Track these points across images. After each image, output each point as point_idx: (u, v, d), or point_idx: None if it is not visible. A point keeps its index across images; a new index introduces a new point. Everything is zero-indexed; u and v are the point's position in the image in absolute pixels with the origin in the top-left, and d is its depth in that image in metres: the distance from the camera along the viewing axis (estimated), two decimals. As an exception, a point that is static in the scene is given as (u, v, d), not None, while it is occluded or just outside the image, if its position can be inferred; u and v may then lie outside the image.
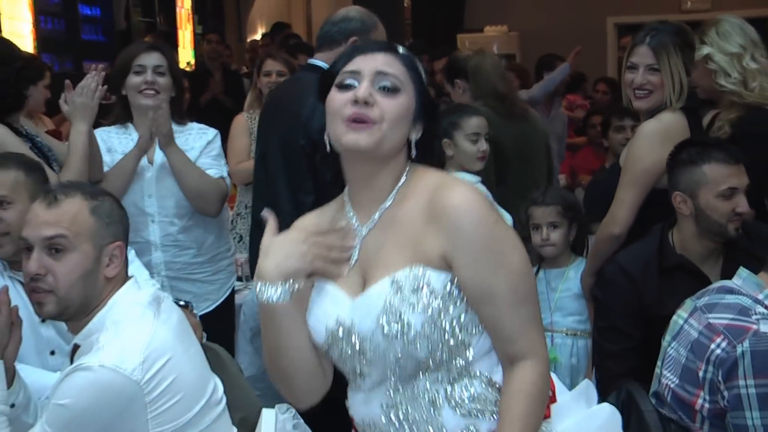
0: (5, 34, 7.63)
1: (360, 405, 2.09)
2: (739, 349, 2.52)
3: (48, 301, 2.38)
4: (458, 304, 1.98)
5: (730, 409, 2.54)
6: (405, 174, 2.08)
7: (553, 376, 2.18)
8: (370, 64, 2.04)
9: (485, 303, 1.97)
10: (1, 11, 7.76)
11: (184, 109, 4.26)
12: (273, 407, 2.54)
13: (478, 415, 2.02)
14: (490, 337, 2.01)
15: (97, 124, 3.96)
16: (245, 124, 5.34)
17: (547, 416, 2.08)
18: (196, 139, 4.05)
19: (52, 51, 8.57)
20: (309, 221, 2.14)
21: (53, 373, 2.82)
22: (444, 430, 2.02)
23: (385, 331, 1.96)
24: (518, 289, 1.98)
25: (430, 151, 2.12)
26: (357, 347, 2.00)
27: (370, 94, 2.00)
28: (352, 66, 2.05)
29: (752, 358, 2.50)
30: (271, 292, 1.95)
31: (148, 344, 2.28)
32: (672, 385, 2.69)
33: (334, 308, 2.03)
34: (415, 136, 2.07)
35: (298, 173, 3.62)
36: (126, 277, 2.47)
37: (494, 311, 1.97)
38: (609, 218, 3.67)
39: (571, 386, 3.85)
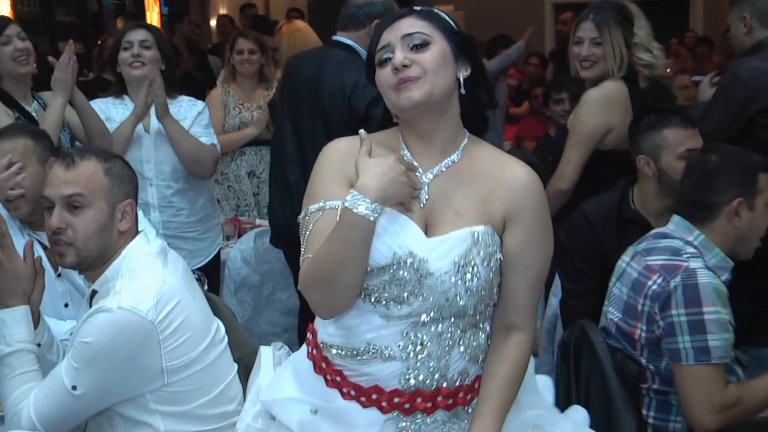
0: (-17, 12, 7.64)
1: (372, 329, 2.06)
2: (672, 284, 2.67)
3: (68, 252, 2.47)
4: (500, 269, 2.07)
5: (665, 336, 2.68)
6: (466, 136, 2.13)
7: None
8: (395, 32, 2.08)
9: (516, 271, 2.07)
10: (-20, -7, 7.74)
11: (177, 83, 4.35)
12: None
13: (474, 361, 2.11)
14: (500, 303, 2.11)
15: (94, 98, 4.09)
16: (220, 97, 5.48)
17: None
18: (188, 110, 4.17)
19: (28, 31, 8.51)
20: (344, 144, 2.14)
21: (66, 322, 2.92)
22: (448, 368, 2.08)
23: (457, 275, 2.02)
24: (543, 269, 2.11)
25: (483, 84, 2.15)
26: (418, 279, 2.01)
27: (405, 57, 2.04)
28: (383, 42, 2.10)
29: (683, 290, 2.65)
30: (369, 208, 1.93)
31: (159, 289, 2.38)
32: (616, 320, 2.85)
33: (408, 239, 2.03)
34: (463, 75, 2.10)
35: None
36: (136, 231, 2.56)
37: (520, 281, 2.08)
38: (557, 175, 3.84)
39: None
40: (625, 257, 2.93)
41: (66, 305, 3.09)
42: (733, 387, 2.69)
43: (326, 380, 2.12)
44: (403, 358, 2.05)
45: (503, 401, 2.09)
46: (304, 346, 2.22)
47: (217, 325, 2.58)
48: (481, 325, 2.10)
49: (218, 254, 4.35)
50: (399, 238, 2.02)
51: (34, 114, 3.82)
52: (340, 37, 4.02)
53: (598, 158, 3.80)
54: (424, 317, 2.04)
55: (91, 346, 2.32)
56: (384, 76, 2.07)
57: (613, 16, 3.80)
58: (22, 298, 2.48)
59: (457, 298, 2.03)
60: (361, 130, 2.04)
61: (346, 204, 1.95)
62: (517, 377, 2.11)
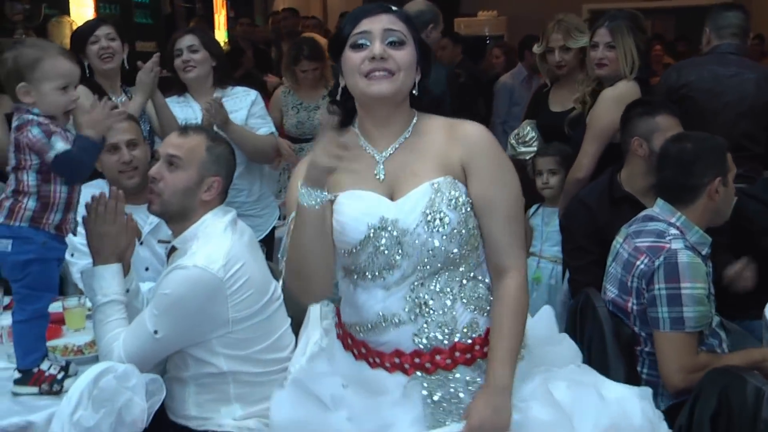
0: (73, 16, 8.01)
1: (377, 302, 2.14)
2: (656, 263, 2.91)
3: (155, 201, 2.80)
4: (473, 212, 2.13)
5: (647, 306, 2.92)
6: (416, 116, 2.21)
7: None
8: (377, 24, 2.13)
9: (486, 214, 2.13)
10: (69, -1, 8.12)
11: (228, 76, 4.57)
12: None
13: (481, 313, 2.16)
14: (486, 249, 2.17)
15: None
16: (280, 99, 5.62)
17: None
18: (242, 100, 4.40)
19: (109, 32, 8.90)
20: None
21: (146, 283, 3.19)
22: (456, 321, 2.13)
23: (428, 224, 2.08)
24: (513, 207, 2.16)
25: (426, 92, 2.23)
26: (396, 240, 2.09)
27: (384, 50, 2.10)
28: (361, 27, 2.13)
29: (664, 268, 2.89)
30: (301, 194, 2.03)
31: (228, 252, 2.67)
32: (612, 296, 3.09)
33: (376, 208, 2.11)
34: (417, 78, 2.18)
35: None
36: (218, 205, 2.83)
37: (492, 222, 2.13)
38: (576, 165, 4.11)
39: (549, 303, 4.30)
40: (619, 238, 3.16)
41: (146, 269, 3.42)
42: (704, 354, 2.93)
43: (354, 354, 2.22)
44: (412, 319, 2.13)
45: (506, 348, 2.11)
46: (334, 329, 2.33)
47: (275, 286, 2.85)
48: (478, 276, 2.17)
49: (273, 231, 4.60)
50: (367, 210, 2.12)
51: (119, 105, 4.16)
52: None
53: (612, 150, 4.03)
54: (415, 277, 2.12)
55: (169, 297, 2.62)
56: (356, 58, 2.12)
57: (626, 23, 4.07)
58: (118, 257, 2.78)
59: (437, 245, 2.09)
60: (323, 114, 2.15)
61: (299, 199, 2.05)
62: (514, 319, 2.13)
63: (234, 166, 2.94)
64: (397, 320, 2.14)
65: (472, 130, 2.19)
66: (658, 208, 3.10)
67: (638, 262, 2.97)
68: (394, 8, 2.20)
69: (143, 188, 3.43)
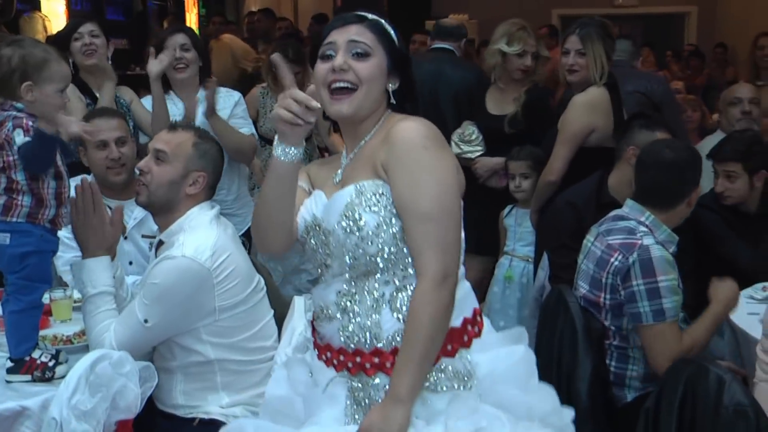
0: (44, 11, 8.08)
1: (318, 294, 2.22)
2: (630, 259, 3.05)
3: (142, 192, 2.91)
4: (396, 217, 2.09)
5: (626, 303, 3.06)
6: (382, 118, 2.21)
7: (485, 319, 2.24)
8: (343, 35, 2.16)
9: (405, 213, 2.06)
10: (41, -6, 8.20)
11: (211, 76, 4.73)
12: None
13: None
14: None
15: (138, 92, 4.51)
16: (257, 98, 5.57)
17: (467, 345, 2.14)
18: (226, 101, 4.46)
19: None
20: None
21: (130, 277, 3.26)
22: (381, 327, 2.11)
23: (343, 226, 2.10)
24: (428, 207, 2.04)
25: (410, 96, 2.24)
26: (323, 239, 2.16)
27: (344, 61, 2.13)
28: (330, 38, 2.17)
29: (640, 264, 3.04)
30: (283, 150, 2.07)
31: (214, 243, 2.78)
32: (584, 292, 3.23)
33: (314, 207, 2.20)
34: (392, 87, 2.19)
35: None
36: (204, 199, 2.94)
37: (410, 222, 2.06)
38: (547, 169, 4.27)
39: (520, 301, 4.47)
40: (590, 237, 3.31)
41: (130, 263, 3.53)
42: (685, 335, 3.08)
43: (324, 360, 2.24)
44: (338, 316, 2.15)
45: (405, 358, 2.04)
46: None
47: (258, 277, 2.97)
48: (411, 287, 2.10)
49: (249, 229, 4.71)
50: (310, 206, 2.21)
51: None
52: (441, 44, 5.34)
53: (582, 154, 4.21)
54: (345, 276, 2.14)
55: (158, 287, 2.73)
56: (322, 70, 2.16)
57: (596, 30, 4.24)
58: (106, 249, 2.87)
59: (356, 247, 2.09)
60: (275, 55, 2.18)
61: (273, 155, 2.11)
62: (413, 327, 2.04)
63: (221, 163, 3.04)
64: (328, 313, 2.19)
65: (398, 130, 2.11)
66: (628, 207, 3.25)
67: (612, 259, 3.11)
68: (369, 16, 2.20)
69: (130, 184, 3.57)
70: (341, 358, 2.17)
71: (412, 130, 2.10)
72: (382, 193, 2.10)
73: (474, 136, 4.78)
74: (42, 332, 2.95)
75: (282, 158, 2.09)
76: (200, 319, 2.80)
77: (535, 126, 4.72)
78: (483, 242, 4.58)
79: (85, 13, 8.96)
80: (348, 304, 2.15)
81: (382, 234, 2.09)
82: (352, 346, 2.15)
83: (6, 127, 2.52)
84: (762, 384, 2.66)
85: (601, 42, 4.22)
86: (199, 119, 4.37)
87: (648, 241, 3.08)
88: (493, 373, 2.14)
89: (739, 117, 4.87)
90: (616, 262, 3.10)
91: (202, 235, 2.81)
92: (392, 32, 2.21)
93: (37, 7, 8.04)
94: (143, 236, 3.63)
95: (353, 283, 2.15)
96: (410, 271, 2.11)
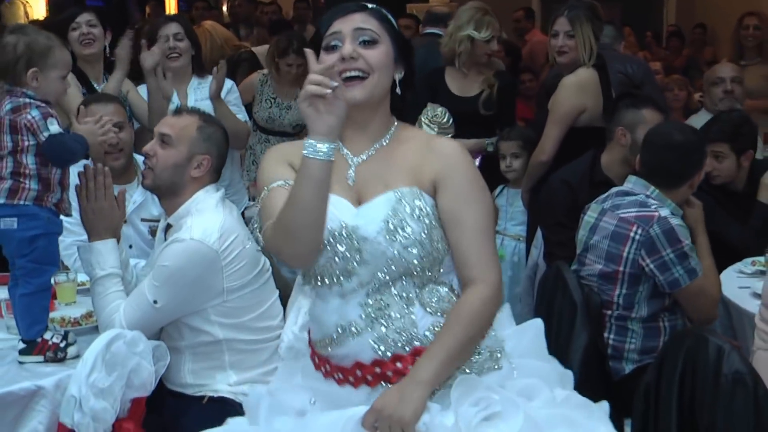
0: (24, -1, 8.07)
1: (333, 312, 2.11)
2: (652, 232, 3.19)
3: (148, 175, 2.97)
4: (439, 224, 2.10)
5: (660, 273, 3.20)
6: (395, 124, 2.21)
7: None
8: (348, 24, 2.11)
9: (454, 227, 2.10)
10: (21, -20, 8.18)
11: (203, 65, 4.80)
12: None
13: (444, 313, 2.10)
14: (452, 260, 2.12)
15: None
16: (255, 86, 5.47)
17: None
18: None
19: (60, 14, 8.93)
20: (290, 149, 2.21)
21: (131, 259, 3.34)
22: (416, 325, 2.09)
23: (389, 233, 2.05)
24: (483, 222, 2.12)
25: (411, 86, 2.25)
26: (356, 247, 2.06)
27: (353, 49, 2.08)
28: (333, 28, 2.12)
29: (664, 236, 3.18)
30: (318, 144, 1.95)
31: (221, 225, 2.83)
32: (601, 266, 3.31)
33: (338, 213, 2.07)
34: (398, 76, 2.18)
35: None
36: (209, 183, 2.98)
37: (459, 236, 2.09)
38: (538, 149, 4.35)
39: (512, 279, 4.55)
40: (592, 213, 3.40)
41: (130, 246, 3.57)
42: (706, 271, 3.28)
43: (323, 372, 2.18)
44: (369, 327, 2.09)
45: (442, 345, 2.05)
46: (307, 348, 2.27)
47: (264, 259, 3.03)
48: (442, 280, 2.13)
49: (242, 214, 4.76)
50: (330, 215, 2.05)
51: (99, 90, 4.29)
52: (434, 30, 5.50)
53: (572, 134, 4.29)
54: (370, 286, 2.08)
55: (168, 269, 2.79)
56: (329, 61, 2.07)
57: (584, 12, 4.32)
58: (113, 233, 2.94)
59: (397, 254, 2.06)
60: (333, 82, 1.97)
61: (306, 154, 1.96)
62: (463, 324, 2.06)
63: (226, 147, 3.09)
64: (354, 329, 2.11)
65: (448, 146, 2.19)
66: (631, 183, 3.36)
67: (631, 233, 3.24)
68: (369, 5, 2.17)
69: (128, 168, 3.62)
70: (377, 370, 2.10)
71: (461, 149, 2.20)
72: (422, 201, 2.10)
73: (446, 119, 4.82)
74: (50, 315, 3.00)
75: (312, 157, 1.95)
76: (209, 300, 2.86)
77: (505, 108, 4.85)
78: None
79: (65, -1, 8.96)
80: (378, 312, 2.09)
81: (425, 241, 2.08)
82: (389, 353, 2.09)
83: (27, 113, 2.56)
84: (761, 352, 2.76)
85: (589, 23, 4.29)
86: (190, 104, 4.42)
87: (663, 212, 3.23)
88: (519, 347, 2.20)
89: (722, 96, 4.99)
90: (637, 236, 3.22)
91: (209, 218, 2.86)
92: (393, 21, 2.20)
93: (18, -7, 8.03)
94: (142, 220, 3.68)
95: (378, 290, 2.10)
96: (436, 272, 2.12)
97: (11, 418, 2.51)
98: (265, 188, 2.14)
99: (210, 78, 4.56)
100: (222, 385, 2.92)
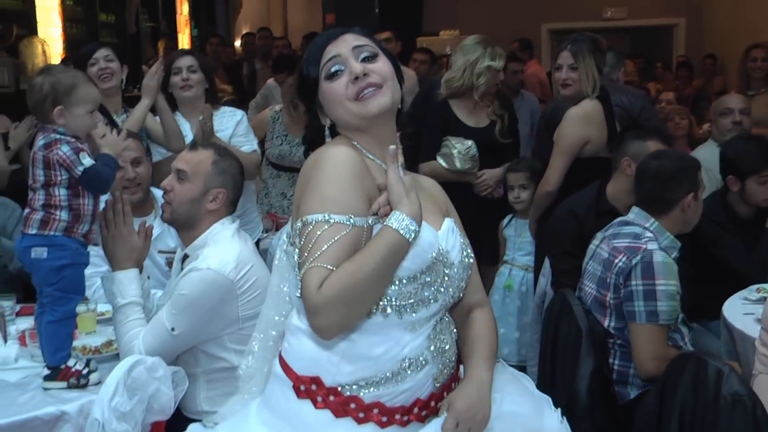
0: (41, 36, 8.28)
1: (404, 345, 2.00)
2: (633, 261, 3.27)
3: (166, 209, 3.11)
4: None
5: (624, 301, 3.28)
6: None
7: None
8: (343, 45, 2.04)
9: None
10: (38, 19, 8.38)
11: (217, 98, 4.96)
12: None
13: (456, 344, 2.16)
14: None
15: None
16: (267, 122, 5.48)
17: None
18: (229, 120, 4.72)
19: (76, 51, 9.15)
20: (353, 153, 2.01)
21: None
22: (454, 353, 2.13)
23: (464, 259, 2.10)
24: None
25: (402, 105, 2.17)
26: (444, 273, 2.03)
27: (363, 67, 2.01)
28: (329, 54, 2.04)
29: (641, 266, 3.25)
30: (414, 231, 1.90)
31: (237, 256, 2.95)
32: (593, 292, 3.44)
33: (434, 238, 2.02)
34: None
35: None
36: (225, 215, 3.11)
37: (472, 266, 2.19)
38: (544, 180, 4.48)
39: (520, 308, 4.65)
40: (596, 241, 3.53)
41: (148, 277, 3.71)
42: (672, 348, 3.28)
43: (357, 419, 2.00)
44: (434, 358, 2.05)
45: (488, 350, 2.13)
46: (299, 403, 2.02)
47: (278, 288, 3.16)
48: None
49: (257, 243, 4.85)
50: (429, 237, 2.00)
51: (119, 123, 4.45)
52: None
53: (578, 165, 4.42)
54: (440, 314, 2.07)
55: (185, 297, 2.91)
56: (338, 87, 2.02)
57: (587, 45, 4.47)
58: (135, 262, 3.07)
59: (464, 282, 2.11)
60: (392, 146, 1.97)
61: (395, 227, 1.88)
62: (492, 336, 2.17)
63: (241, 180, 3.22)
64: (422, 361, 2.03)
65: (434, 181, 2.31)
66: (633, 214, 3.47)
67: (617, 260, 3.33)
68: (352, 28, 2.13)
69: (145, 202, 3.77)
70: (432, 404, 2.07)
71: None
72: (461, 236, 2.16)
73: (474, 151, 4.95)
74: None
75: (412, 237, 1.92)
76: (224, 327, 2.98)
77: (515, 136, 5.06)
78: (479, 253, 4.77)
79: (80, 36, 9.17)
80: (441, 342, 2.07)
81: (469, 269, 2.14)
82: (438, 385, 2.08)
83: (59, 149, 2.70)
84: (762, 376, 2.85)
85: (592, 56, 4.44)
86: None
87: (652, 246, 3.30)
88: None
89: (730, 127, 5.08)
90: (620, 263, 3.31)
91: (225, 249, 2.99)
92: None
93: (34, 31, 8.22)
94: (159, 252, 3.81)
95: (440, 320, 2.08)
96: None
97: (36, 442, 2.63)
98: (349, 216, 1.91)
99: (223, 110, 4.73)
100: (237, 411, 3.03)
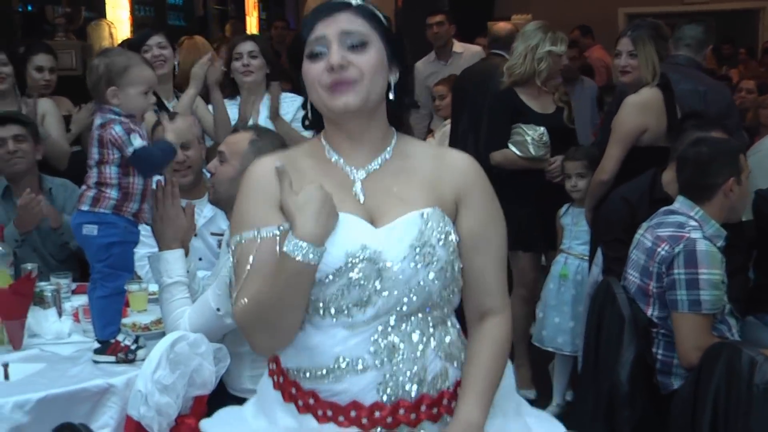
0: (109, 18, 8.58)
1: (337, 343, 1.95)
2: (676, 250, 3.36)
3: (211, 191, 3.33)
4: (459, 253, 2.01)
5: (667, 289, 3.36)
6: (394, 135, 2.07)
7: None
8: (332, 27, 1.94)
9: (480, 252, 2.01)
10: (106, 2, 8.69)
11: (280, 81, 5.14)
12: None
13: (451, 362, 2.02)
14: (467, 290, 2.05)
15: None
16: None
17: None
18: (289, 105, 4.88)
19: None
20: (269, 164, 2.03)
21: (200, 271, 3.60)
22: (425, 370, 1.97)
23: (415, 259, 1.93)
24: (503, 245, 2.07)
25: (409, 90, 2.08)
26: (376, 274, 1.92)
27: (342, 57, 1.92)
28: (316, 33, 1.95)
29: (684, 255, 3.33)
30: (313, 252, 1.86)
31: None
32: (637, 281, 3.54)
33: (356, 234, 1.94)
34: (393, 79, 2.01)
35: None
36: None
37: (485, 261, 2.02)
38: (600, 168, 4.57)
39: (575, 297, 4.75)
40: (641, 230, 3.61)
41: (200, 259, 3.90)
42: (716, 339, 3.33)
43: (298, 407, 2.01)
44: (378, 365, 1.94)
45: (487, 380, 2.00)
46: (267, 379, 2.11)
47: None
48: (448, 321, 2.04)
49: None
50: (347, 235, 1.92)
51: (170, 108, 4.67)
52: (497, 51, 5.75)
53: (635, 154, 4.49)
54: (389, 317, 1.95)
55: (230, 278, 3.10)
56: (315, 70, 1.95)
57: (648, 32, 4.53)
58: (180, 243, 3.25)
59: (422, 284, 1.94)
60: (278, 162, 1.98)
61: (288, 251, 1.85)
62: (499, 357, 2.04)
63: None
64: (360, 365, 1.95)
65: (464, 161, 2.08)
66: (678, 203, 3.55)
67: (659, 249, 3.42)
68: (354, 2, 1.99)
69: (197, 184, 3.97)
70: (376, 414, 1.96)
71: (476, 163, 2.09)
72: (446, 224, 1.99)
73: (546, 138, 5.05)
74: (122, 320, 3.34)
75: (315, 260, 1.88)
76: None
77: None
78: (531, 240, 5.02)
79: (148, 18, 9.47)
80: (390, 350, 1.95)
81: (449, 269, 1.98)
82: (394, 398, 1.96)
83: (112, 128, 2.90)
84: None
85: (652, 43, 4.50)
86: (262, 121, 4.75)
87: (696, 234, 3.38)
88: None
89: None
90: (663, 252, 3.40)
91: None
92: (383, 17, 2.02)
93: (102, 14, 8.52)
94: (212, 234, 4.02)
95: (395, 326, 1.96)
96: (450, 306, 2.05)
97: (84, 412, 2.82)
98: (255, 231, 1.97)
99: (284, 95, 4.91)
100: (280, 389, 3.20)
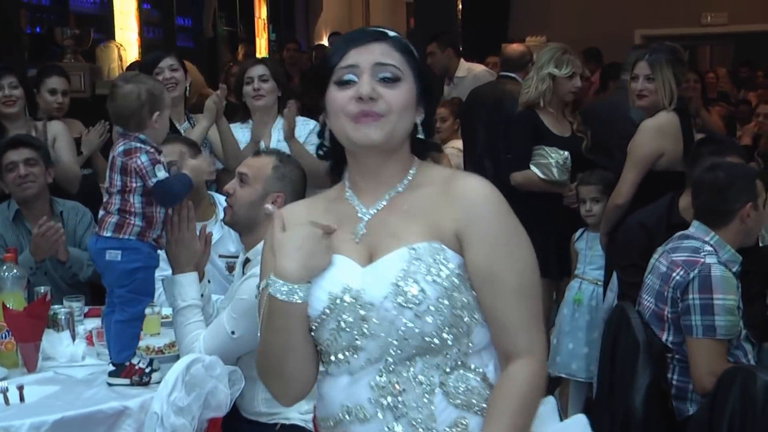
0: (119, 40, 8.74)
1: (340, 391, 1.92)
2: (691, 275, 3.43)
3: (228, 212, 3.42)
4: (467, 287, 1.89)
5: (682, 314, 3.44)
6: (414, 166, 2.01)
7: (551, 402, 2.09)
8: (366, 56, 1.91)
9: (488, 288, 1.88)
10: (115, 23, 8.86)
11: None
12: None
13: (470, 408, 1.90)
14: (489, 329, 1.92)
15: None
16: None
17: None
18: (301, 129, 4.97)
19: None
20: (300, 210, 2.05)
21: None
22: (435, 419, 1.87)
23: (399, 297, 1.85)
24: (522, 280, 1.90)
25: (431, 130, 2.06)
26: (361, 315, 1.87)
27: (373, 89, 1.88)
28: (348, 60, 1.91)
29: (699, 280, 3.41)
30: (297, 293, 1.86)
31: None
32: (651, 306, 3.62)
33: (341, 276, 1.90)
34: (419, 119, 1.98)
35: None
36: None
37: (496, 298, 1.89)
38: (615, 192, 4.65)
39: (589, 323, 4.83)
40: (656, 255, 3.70)
41: (209, 281, 4.00)
42: (731, 364, 3.41)
43: None
44: (379, 414, 1.88)
45: (506, 426, 1.85)
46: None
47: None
48: (470, 365, 1.92)
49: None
50: (332, 276, 1.90)
51: (182, 131, 4.78)
52: (509, 74, 5.98)
53: (651, 178, 4.58)
54: (384, 362, 1.88)
55: (246, 302, 3.14)
56: (341, 98, 1.91)
57: (666, 56, 4.63)
58: (194, 266, 3.35)
59: (410, 325, 1.85)
60: (268, 205, 2.06)
61: (271, 292, 1.86)
62: (517, 409, 1.87)
63: (303, 186, 3.49)
64: (363, 415, 1.90)
65: (470, 188, 1.94)
66: (694, 228, 3.63)
67: (674, 274, 3.50)
68: (390, 33, 1.97)
69: (203, 206, 4.07)
70: None
71: (487, 190, 1.94)
72: (444, 259, 1.88)
73: (569, 163, 5.15)
74: (136, 344, 3.45)
75: (298, 298, 1.88)
76: (283, 332, 3.23)
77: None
78: (547, 266, 5.04)
79: (157, 40, 9.61)
80: (391, 398, 1.88)
81: (443, 309, 1.86)
82: None
83: (138, 157, 3.00)
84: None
85: (670, 67, 4.59)
86: (273, 144, 4.87)
87: (711, 260, 3.45)
88: None
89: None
90: (678, 277, 3.48)
91: None
92: (415, 52, 2.00)
93: (111, 36, 8.67)
94: (220, 256, 4.12)
95: (394, 371, 1.88)
96: (465, 348, 1.91)
97: (100, 434, 2.93)
98: (258, 286, 2.04)
99: (297, 118, 5.01)
100: (293, 413, 3.27)
